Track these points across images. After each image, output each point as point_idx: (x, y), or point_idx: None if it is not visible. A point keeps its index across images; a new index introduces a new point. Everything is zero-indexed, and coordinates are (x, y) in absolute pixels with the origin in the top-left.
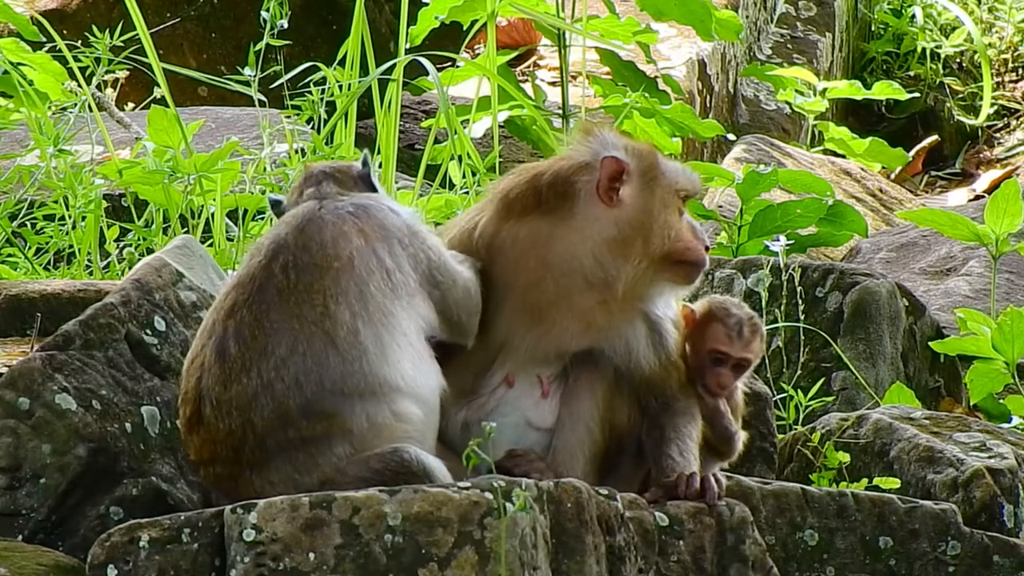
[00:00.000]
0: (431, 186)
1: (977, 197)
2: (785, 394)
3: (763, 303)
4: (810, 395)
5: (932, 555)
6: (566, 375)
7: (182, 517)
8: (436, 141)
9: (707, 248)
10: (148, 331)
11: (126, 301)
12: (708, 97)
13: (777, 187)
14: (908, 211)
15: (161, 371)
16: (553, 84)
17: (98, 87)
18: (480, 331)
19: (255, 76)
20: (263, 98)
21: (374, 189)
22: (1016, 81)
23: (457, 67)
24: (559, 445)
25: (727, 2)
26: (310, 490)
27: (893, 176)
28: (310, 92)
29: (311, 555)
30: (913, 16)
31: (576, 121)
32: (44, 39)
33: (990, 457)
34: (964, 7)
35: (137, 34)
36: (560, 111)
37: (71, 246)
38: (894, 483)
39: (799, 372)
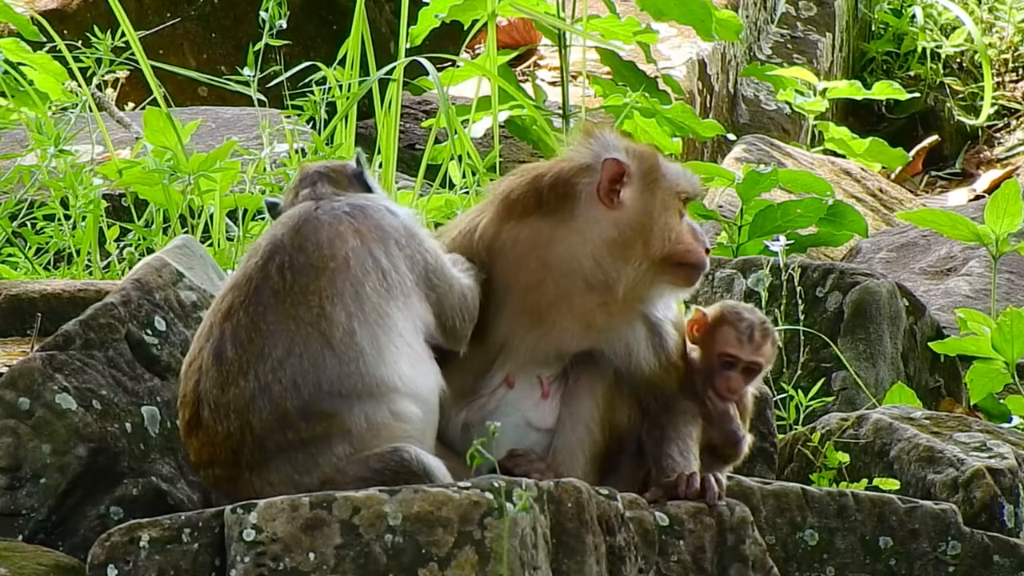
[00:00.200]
0: (431, 186)
1: (977, 197)
2: (785, 394)
3: (763, 303)
4: (810, 395)
5: (932, 555)
6: (566, 376)
7: (182, 517)
8: (436, 141)
9: (707, 250)
10: (148, 331)
11: (126, 301)
12: (708, 97)
13: (777, 187)
14: (908, 211)
15: (161, 371)
16: (553, 84)
17: (98, 87)
18: (480, 332)
19: (255, 76)
20: (263, 98)
21: (369, 188)
22: (1016, 81)
23: (457, 67)
24: (559, 445)
25: (727, 2)
26: (310, 490)
27: (893, 176)
28: (310, 92)
29: (311, 555)
30: (913, 16)
31: (576, 121)
32: (44, 39)
33: (990, 457)
34: (964, 7)
35: (138, 34)
36: (560, 111)
37: (71, 246)
38: (893, 484)
39: (799, 372)
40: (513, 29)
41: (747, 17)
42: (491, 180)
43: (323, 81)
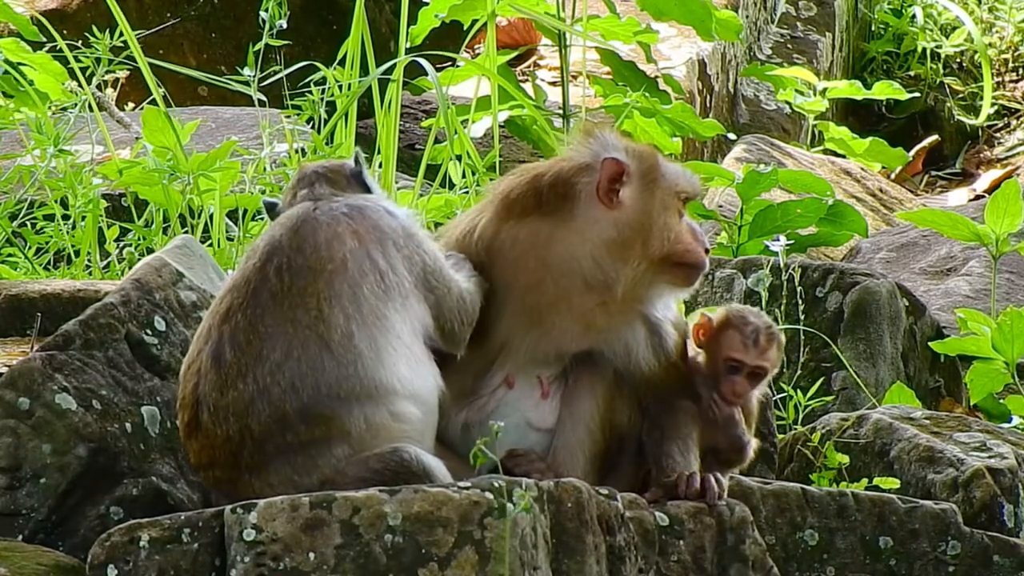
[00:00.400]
0: (431, 186)
1: (977, 197)
2: (785, 394)
3: (763, 303)
4: (810, 395)
5: (932, 555)
6: (566, 376)
7: (182, 517)
8: (436, 141)
9: (707, 250)
10: (148, 331)
11: (126, 301)
12: (708, 97)
13: (777, 187)
14: (908, 212)
15: (161, 371)
16: (553, 84)
17: (98, 87)
18: (480, 332)
19: (255, 76)
20: (263, 98)
21: (367, 187)
22: (1016, 81)
23: (457, 67)
24: (559, 445)
25: (727, 2)
26: (310, 491)
27: (893, 176)
28: (310, 92)
29: (311, 555)
30: (913, 16)
31: (576, 121)
32: (44, 39)
33: (990, 457)
34: (964, 7)
35: (138, 34)
36: (560, 111)
37: (71, 246)
38: (894, 483)
39: (799, 372)
40: (513, 29)
41: (747, 17)
42: (491, 180)
43: (323, 81)
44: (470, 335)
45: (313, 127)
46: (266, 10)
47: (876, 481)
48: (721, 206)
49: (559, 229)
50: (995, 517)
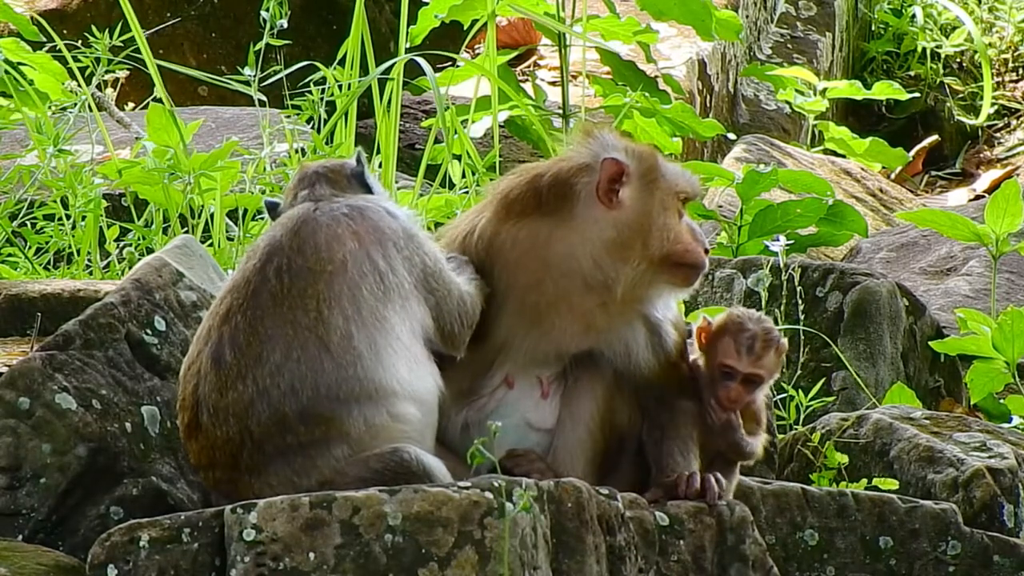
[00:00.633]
0: (431, 186)
1: (977, 197)
2: (785, 394)
3: (763, 303)
4: (810, 395)
5: (932, 555)
6: (566, 376)
7: (182, 517)
8: (436, 141)
9: (706, 250)
10: (148, 331)
11: (126, 301)
12: (708, 97)
13: (777, 187)
14: (908, 212)
15: (161, 371)
16: (553, 84)
17: (98, 87)
18: (480, 332)
19: (255, 76)
20: (263, 98)
21: (369, 187)
22: (1016, 81)
23: (457, 67)
24: (559, 445)
25: (727, 2)
26: (309, 491)
27: (893, 176)
28: (310, 92)
29: (311, 555)
30: (913, 16)
31: (576, 121)
32: (44, 39)
33: (990, 457)
34: (964, 7)
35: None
36: (560, 111)
37: (71, 246)
38: (892, 484)
39: (799, 372)
40: (513, 29)
41: (747, 17)
42: (491, 180)
43: (323, 81)
44: (470, 337)
45: (313, 127)
46: (266, 10)
47: (875, 482)
48: (721, 206)
49: (559, 229)
50: (995, 517)
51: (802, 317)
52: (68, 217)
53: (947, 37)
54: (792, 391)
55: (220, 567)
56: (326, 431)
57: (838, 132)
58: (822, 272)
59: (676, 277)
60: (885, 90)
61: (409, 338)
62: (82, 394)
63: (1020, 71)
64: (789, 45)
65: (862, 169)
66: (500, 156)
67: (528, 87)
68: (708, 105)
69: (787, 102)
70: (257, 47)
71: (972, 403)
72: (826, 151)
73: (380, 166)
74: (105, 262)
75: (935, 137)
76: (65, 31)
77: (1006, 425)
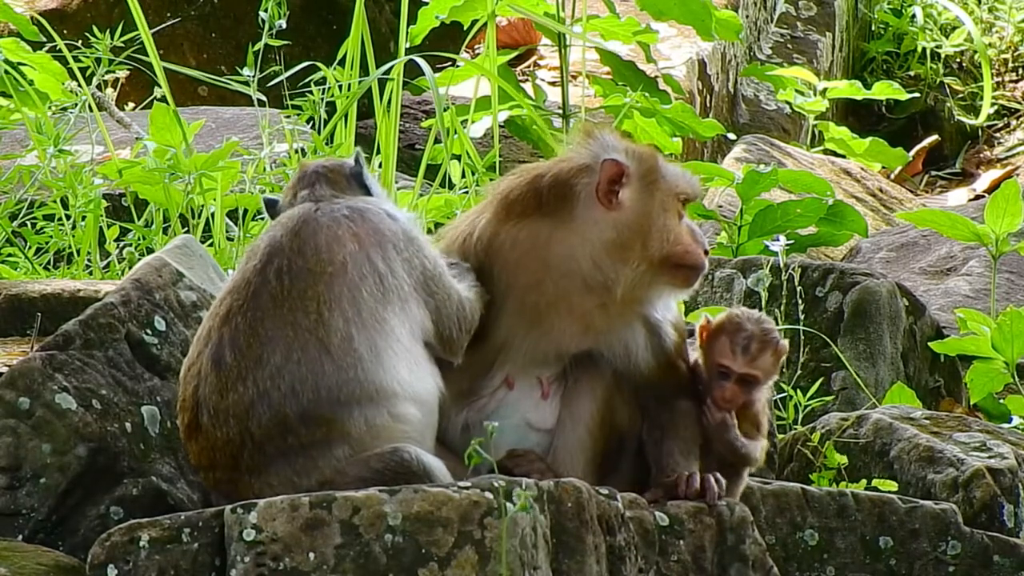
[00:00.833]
0: (431, 186)
1: (977, 197)
2: (785, 394)
3: (763, 303)
4: (810, 395)
5: (932, 555)
6: (566, 376)
7: (182, 517)
8: (436, 141)
9: (706, 251)
10: (148, 331)
11: (126, 301)
12: (708, 97)
13: (777, 187)
14: (908, 212)
15: (161, 371)
16: (553, 84)
17: (98, 87)
18: (480, 333)
19: (255, 76)
20: (263, 98)
21: (367, 188)
22: (1016, 81)
23: (457, 67)
24: (559, 446)
25: (727, 2)
26: (310, 491)
27: (893, 176)
28: (310, 92)
29: (311, 555)
30: (913, 16)
31: (576, 121)
32: (44, 39)
33: (990, 457)
34: (964, 7)
35: (137, 34)
36: (560, 111)
37: (71, 246)
38: (891, 486)
39: (799, 372)
40: (513, 29)
41: (747, 17)
42: (491, 180)
43: (323, 81)
44: (467, 342)
45: (313, 127)
46: (266, 10)
47: (875, 483)
48: (721, 206)
49: (559, 230)
50: (995, 517)
51: (802, 317)
52: (68, 217)
53: (947, 37)
54: (792, 391)
55: (220, 567)
56: (327, 432)
57: (838, 132)
58: (822, 272)
59: (676, 278)
60: (885, 90)
61: (409, 340)
62: (82, 394)
63: (1020, 71)
64: (789, 45)
65: (862, 169)
66: (500, 156)
67: (528, 87)
68: (708, 105)
69: (787, 102)
70: (257, 47)
71: (972, 403)
72: (826, 151)
73: (380, 166)
74: (105, 262)
75: (935, 137)
76: (65, 31)
77: (1006, 425)
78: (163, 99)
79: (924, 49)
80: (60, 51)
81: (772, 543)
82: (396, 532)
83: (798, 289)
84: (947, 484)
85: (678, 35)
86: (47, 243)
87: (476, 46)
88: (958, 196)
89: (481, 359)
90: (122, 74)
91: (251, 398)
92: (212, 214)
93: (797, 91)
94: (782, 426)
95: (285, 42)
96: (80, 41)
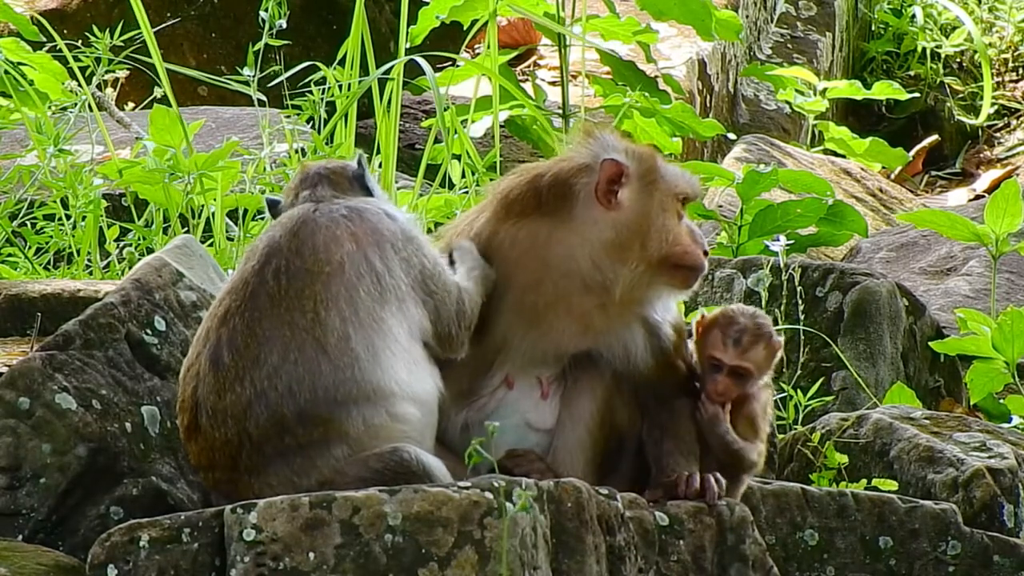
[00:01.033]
0: (431, 186)
1: (977, 197)
2: (785, 394)
3: (763, 303)
4: (810, 395)
5: (932, 555)
6: (565, 376)
7: (182, 517)
8: (436, 141)
9: (706, 252)
10: (148, 331)
11: (126, 301)
12: (708, 97)
13: (777, 187)
14: (907, 212)
15: (161, 371)
16: (553, 84)
17: (98, 87)
18: (479, 332)
19: (255, 76)
20: (263, 98)
21: (369, 190)
22: (1016, 81)
23: (457, 67)
24: (559, 445)
25: (727, 2)
26: (309, 491)
27: (893, 176)
28: (310, 92)
29: (311, 555)
30: (913, 16)
31: (576, 121)
32: (44, 39)
33: (990, 457)
34: (964, 7)
35: (137, 34)
36: (560, 111)
37: (71, 246)
38: (891, 485)
39: (799, 372)
40: (513, 29)
41: (747, 17)
42: (491, 180)
43: (323, 81)
44: (469, 337)
45: (313, 127)
46: (266, 10)
47: (875, 483)
48: (721, 206)
49: (558, 230)
50: (995, 517)
51: (802, 317)
52: (68, 217)
53: (947, 37)
54: (792, 391)
55: (220, 567)
56: (325, 432)
57: (838, 132)
58: (822, 272)
59: (675, 279)
60: (885, 90)
61: (407, 339)
62: (82, 394)
63: (1020, 71)
64: (789, 45)
65: (862, 169)
66: (500, 156)
67: (528, 87)
68: (708, 105)
69: (787, 102)
70: (257, 47)
71: (972, 403)
72: (826, 151)
73: (380, 166)
74: (105, 262)
75: (935, 137)
76: (65, 31)
77: (1006, 425)
78: (163, 99)
79: (924, 49)
80: (60, 51)
81: (772, 543)
82: (396, 532)
83: (798, 289)
84: (947, 484)
85: (678, 35)
86: (47, 243)
87: (476, 46)
88: (958, 196)
89: (481, 359)
90: (122, 74)
91: (249, 398)
92: (212, 214)
93: (797, 91)
94: (782, 426)
95: (285, 42)
96: (80, 41)
